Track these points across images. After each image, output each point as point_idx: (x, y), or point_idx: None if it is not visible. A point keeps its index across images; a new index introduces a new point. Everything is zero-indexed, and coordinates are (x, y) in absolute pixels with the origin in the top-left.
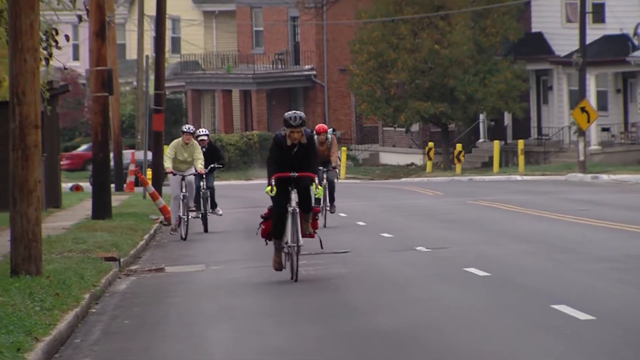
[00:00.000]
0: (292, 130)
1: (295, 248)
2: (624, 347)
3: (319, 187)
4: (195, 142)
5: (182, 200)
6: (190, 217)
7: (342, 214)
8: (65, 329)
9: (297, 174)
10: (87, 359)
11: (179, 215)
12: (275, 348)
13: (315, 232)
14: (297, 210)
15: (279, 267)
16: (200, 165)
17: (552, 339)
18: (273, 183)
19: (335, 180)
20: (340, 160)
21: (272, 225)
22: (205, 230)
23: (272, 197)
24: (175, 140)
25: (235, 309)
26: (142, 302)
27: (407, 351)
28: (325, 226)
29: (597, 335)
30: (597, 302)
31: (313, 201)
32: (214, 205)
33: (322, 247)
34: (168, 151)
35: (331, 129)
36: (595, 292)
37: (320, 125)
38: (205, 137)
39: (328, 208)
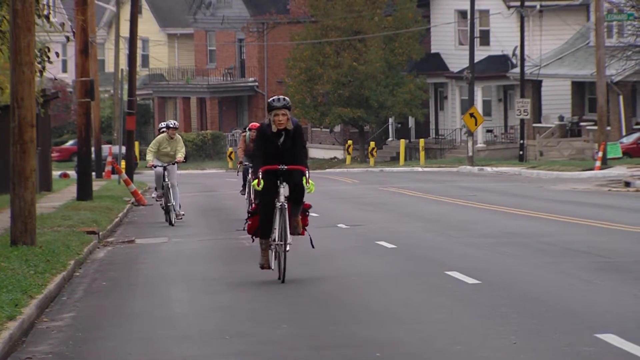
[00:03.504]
0: (277, 112)
1: (283, 247)
2: (501, 305)
3: (310, 181)
4: (179, 136)
5: (166, 189)
6: (177, 209)
7: None
8: (55, 289)
9: (286, 167)
10: (72, 313)
11: (163, 205)
12: (225, 306)
13: (305, 229)
14: (286, 206)
15: (266, 265)
16: (180, 155)
17: (445, 299)
18: (260, 176)
19: None
20: None
21: (259, 223)
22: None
23: (259, 192)
24: (161, 135)
25: (192, 274)
26: (117, 267)
27: (331, 309)
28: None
29: (481, 296)
30: (482, 269)
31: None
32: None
33: (313, 246)
34: (151, 145)
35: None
36: (481, 261)
37: (253, 124)
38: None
39: None
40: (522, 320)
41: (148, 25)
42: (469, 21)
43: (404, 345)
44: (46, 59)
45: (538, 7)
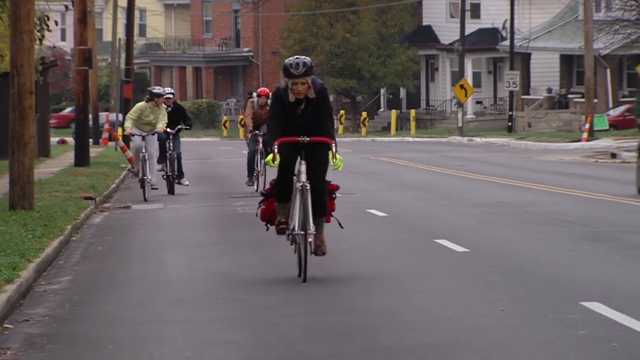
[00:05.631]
0: (295, 81)
1: (305, 237)
2: (489, 273)
3: (338, 156)
4: (163, 105)
5: (143, 160)
6: (152, 179)
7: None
8: (52, 253)
9: (307, 139)
10: (69, 277)
11: (141, 178)
12: (219, 271)
13: (332, 216)
14: (308, 187)
15: (284, 227)
16: (161, 125)
17: (434, 266)
18: (276, 150)
19: None
20: None
21: (276, 191)
22: (171, 192)
23: (277, 168)
24: (143, 102)
25: (187, 240)
26: (113, 232)
27: (323, 276)
28: (257, 191)
29: (469, 264)
30: (471, 238)
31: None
32: (180, 175)
33: (341, 227)
34: (131, 112)
35: (271, 94)
36: (470, 230)
37: (262, 89)
38: (171, 96)
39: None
40: (510, 288)
41: None
42: None
43: (397, 313)
44: (45, 27)
45: None
